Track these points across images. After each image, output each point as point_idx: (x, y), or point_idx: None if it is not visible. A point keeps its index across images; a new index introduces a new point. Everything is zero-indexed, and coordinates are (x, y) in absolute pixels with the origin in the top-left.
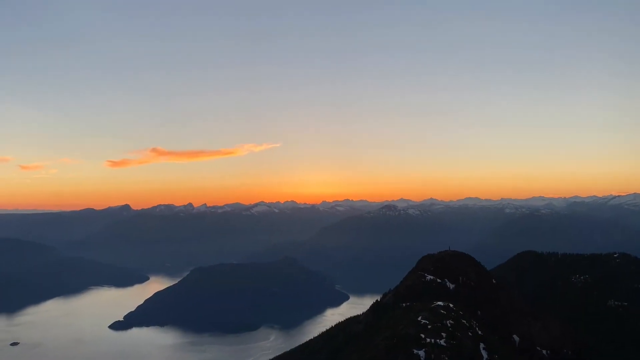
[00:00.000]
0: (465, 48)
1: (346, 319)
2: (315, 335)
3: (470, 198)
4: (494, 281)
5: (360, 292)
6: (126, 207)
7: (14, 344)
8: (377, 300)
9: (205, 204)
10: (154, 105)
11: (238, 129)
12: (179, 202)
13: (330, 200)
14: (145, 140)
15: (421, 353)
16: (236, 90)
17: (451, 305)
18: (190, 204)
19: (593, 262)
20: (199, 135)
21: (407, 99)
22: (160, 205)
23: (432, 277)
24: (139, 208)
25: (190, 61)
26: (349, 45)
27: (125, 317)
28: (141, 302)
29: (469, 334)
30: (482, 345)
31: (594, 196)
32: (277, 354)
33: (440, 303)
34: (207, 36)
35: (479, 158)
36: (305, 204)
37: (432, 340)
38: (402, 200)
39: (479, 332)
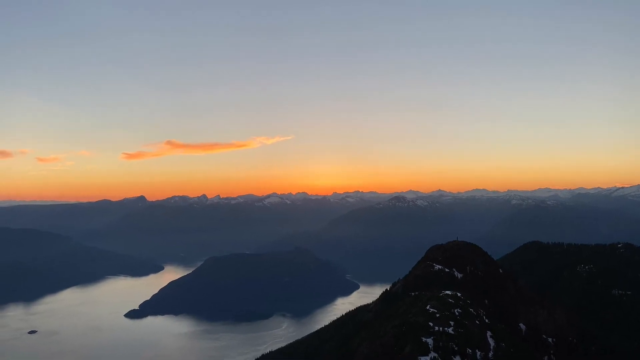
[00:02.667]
0: (472, 43)
1: (356, 308)
2: (326, 323)
3: (477, 190)
4: (501, 271)
5: (370, 281)
6: (141, 199)
7: (32, 332)
8: (386, 290)
9: (218, 195)
10: (168, 98)
11: (251, 122)
12: (193, 193)
13: (341, 192)
14: (160, 133)
15: (429, 341)
16: (249, 84)
17: (459, 294)
18: (204, 195)
19: (597, 252)
20: (212, 128)
21: (416, 93)
22: (174, 196)
23: (440, 267)
24: (154, 199)
25: (204, 55)
26: (359, 41)
27: (140, 305)
28: (156, 291)
29: (477, 322)
30: (489, 334)
31: (599, 188)
32: (289, 342)
33: (448, 292)
34: (221, 31)
35: (486, 150)
36: (316, 195)
37: (441, 328)
38: (411, 191)
39: (486, 321)
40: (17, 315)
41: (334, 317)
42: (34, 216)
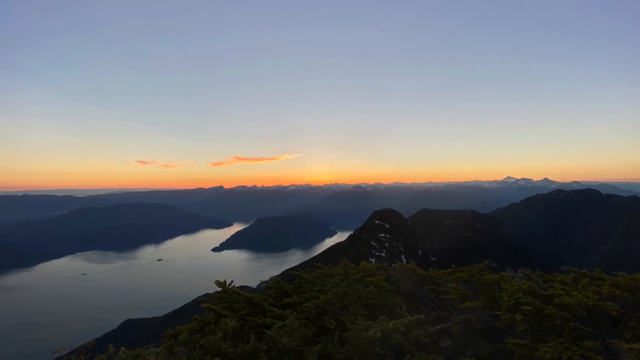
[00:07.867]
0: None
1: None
2: (319, 252)
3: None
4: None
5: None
6: (220, 187)
7: (159, 260)
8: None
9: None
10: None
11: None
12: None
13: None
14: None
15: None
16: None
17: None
18: (255, 185)
19: None
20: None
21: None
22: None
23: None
24: (228, 187)
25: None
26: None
27: (220, 244)
28: (228, 236)
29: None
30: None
31: None
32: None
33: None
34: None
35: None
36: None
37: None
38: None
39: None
40: (150, 251)
41: (324, 249)
42: (159, 197)
